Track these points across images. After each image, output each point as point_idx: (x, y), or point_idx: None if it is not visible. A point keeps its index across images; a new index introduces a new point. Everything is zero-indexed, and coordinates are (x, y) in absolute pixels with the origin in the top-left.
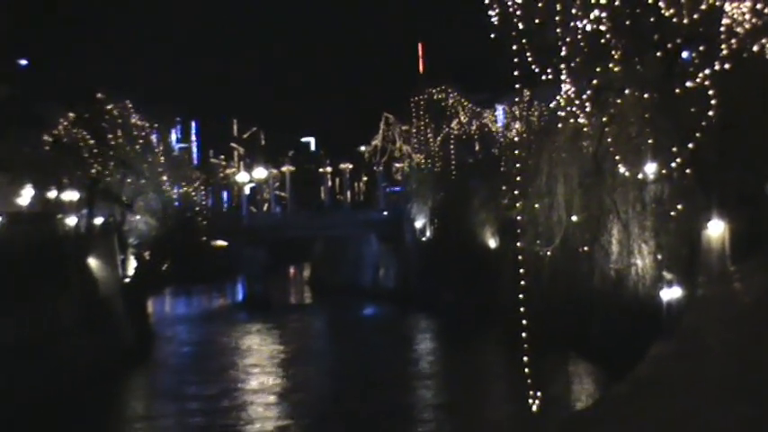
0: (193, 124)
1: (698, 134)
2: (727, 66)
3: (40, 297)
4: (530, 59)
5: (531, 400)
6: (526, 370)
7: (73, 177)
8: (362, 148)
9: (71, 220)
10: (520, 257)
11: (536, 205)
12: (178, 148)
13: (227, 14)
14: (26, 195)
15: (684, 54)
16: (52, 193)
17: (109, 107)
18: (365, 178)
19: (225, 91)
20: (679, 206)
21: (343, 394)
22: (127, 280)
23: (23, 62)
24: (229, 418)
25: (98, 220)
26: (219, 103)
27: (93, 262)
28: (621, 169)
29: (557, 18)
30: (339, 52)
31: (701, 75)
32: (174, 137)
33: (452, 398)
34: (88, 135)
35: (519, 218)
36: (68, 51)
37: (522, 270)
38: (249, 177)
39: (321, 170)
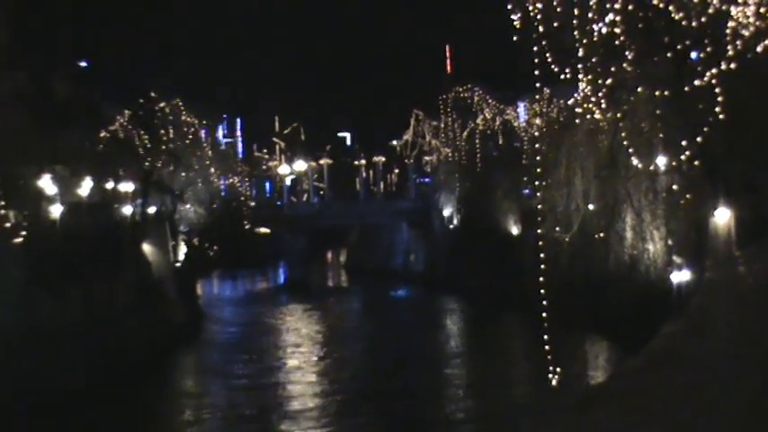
0: (239, 121)
1: (705, 129)
2: (732, 66)
3: (98, 280)
4: (549, 60)
5: (551, 375)
6: (546, 347)
7: (128, 170)
8: (394, 143)
9: (127, 210)
10: (540, 243)
11: (555, 195)
12: (225, 143)
13: (269, 17)
14: (86, 187)
15: (693, 55)
16: (109, 185)
17: (161, 105)
18: (397, 170)
19: (268, 89)
20: (688, 195)
21: (377, 372)
22: (178, 264)
23: (84, 64)
24: (272, 396)
25: (151, 210)
26: (263, 101)
27: (146, 248)
28: (635, 161)
29: (574, 22)
30: (373, 53)
31: (708, 74)
32: (220, 132)
33: (477, 374)
34: (142, 131)
35: (539, 206)
36: (125, 54)
37: (542, 255)
38: (290, 170)
39: (356, 163)
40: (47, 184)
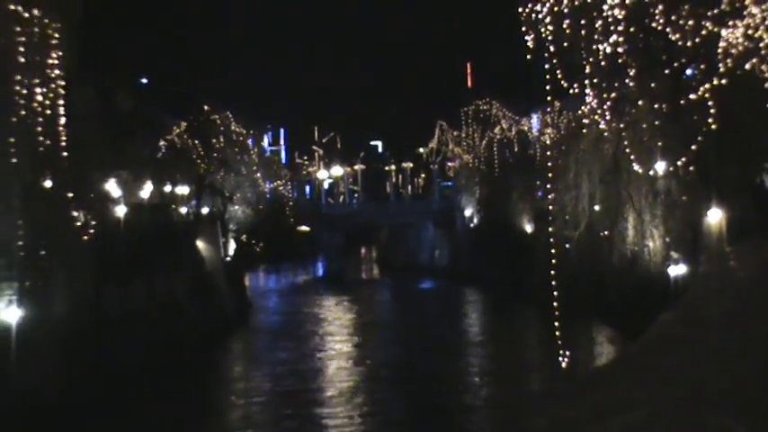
0: (282, 131)
1: (699, 138)
2: (724, 81)
3: (158, 273)
4: (559, 76)
5: (560, 359)
6: (557, 334)
7: (184, 175)
8: (421, 150)
9: (182, 210)
10: (551, 240)
11: (565, 197)
12: (269, 151)
13: (310, 40)
14: (147, 189)
15: (688, 71)
16: (167, 188)
17: (213, 117)
18: (423, 175)
19: (308, 103)
20: (684, 197)
21: (405, 359)
22: (228, 259)
23: (144, 81)
24: (311, 380)
25: (204, 210)
26: (304, 114)
27: (200, 244)
28: (636, 167)
29: (582, 43)
30: (403, 70)
31: (702, 89)
32: (266, 141)
33: (495, 360)
34: (196, 140)
35: (550, 207)
36: (182, 72)
37: (553, 251)
38: (328, 174)
39: (387, 168)
40: (112, 187)
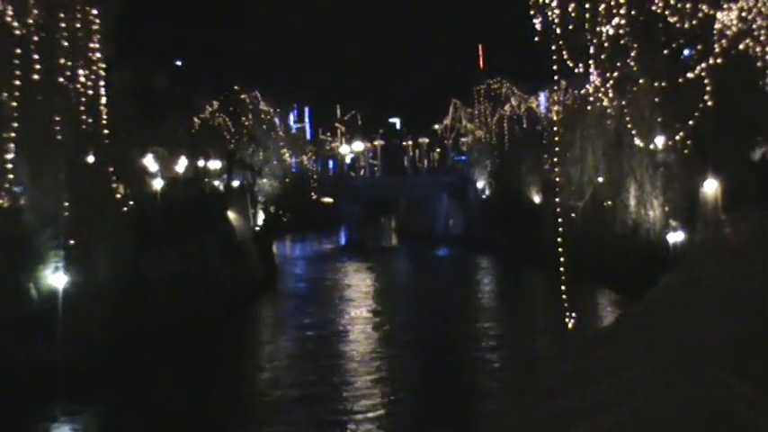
0: (307, 109)
1: (696, 114)
2: (719, 61)
3: (192, 240)
4: (565, 57)
5: (567, 320)
6: (563, 296)
7: (216, 150)
8: (436, 127)
9: (215, 183)
10: (558, 210)
11: (571, 169)
12: (295, 128)
13: (334, 23)
14: (182, 164)
15: (686, 51)
16: (201, 163)
17: (243, 96)
18: (438, 150)
19: (331, 82)
20: (682, 169)
21: (422, 323)
22: (257, 228)
23: (179, 62)
24: (333, 343)
25: (235, 183)
26: (327, 92)
27: (231, 214)
28: (637, 141)
29: (586, 25)
30: (420, 52)
31: (698, 68)
32: (291, 119)
33: (507, 322)
34: (227, 118)
35: (557, 179)
36: (213, 53)
37: (559, 220)
38: (349, 150)
39: (404, 144)
40: (149, 162)
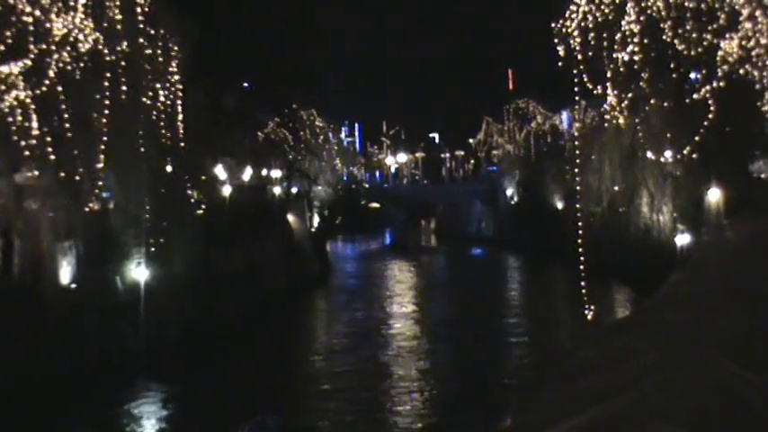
0: (357, 125)
1: (701, 131)
2: (722, 84)
3: (256, 240)
4: (585, 79)
5: (586, 313)
6: (583, 291)
7: (277, 161)
8: (471, 140)
9: (276, 190)
10: (578, 215)
11: (590, 179)
12: (346, 141)
13: (382, 48)
14: (247, 173)
15: (692, 75)
16: (264, 172)
17: (301, 113)
18: (472, 161)
19: (379, 101)
20: (688, 179)
21: (457, 319)
22: (312, 230)
23: (246, 84)
24: (378, 334)
25: (293, 190)
26: (375, 110)
27: (290, 218)
28: (648, 155)
29: (604, 52)
30: (457, 75)
31: (703, 90)
32: (343, 133)
33: (534, 316)
34: (287, 132)
35: (578, 187)
36: (275, 76)
37: (579, 223)
38: (394, 161)
39: (442, 155)
40: (219, 171)
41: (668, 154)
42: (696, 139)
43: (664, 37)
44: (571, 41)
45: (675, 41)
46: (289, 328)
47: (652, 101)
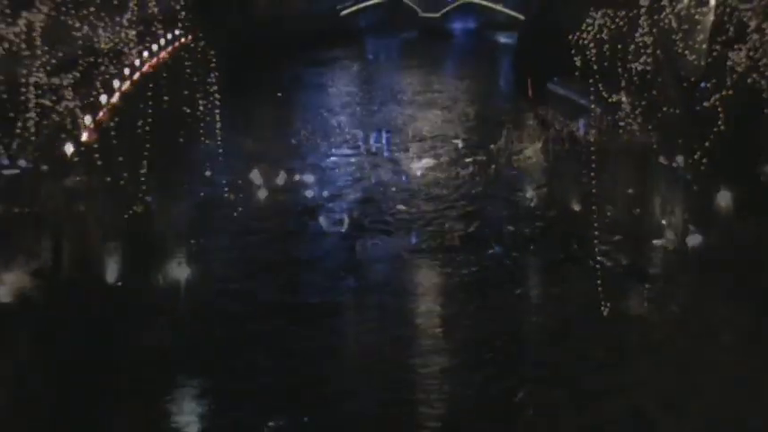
0: None
1: (711, 137)
2: (730, 92)
3: None
4: (601, 88)
5: (602, 308)
6: (599, 289)
7: None
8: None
9: None
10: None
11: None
12: None
13: None
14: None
15: (702, 84)
16: None
17: None
18: None
19: None
20: (699, 183)
21: None
22: None
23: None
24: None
25: None
26: None
27: None
28: (661, 159)
29: (618, 62)
30: None
31: (713, 98)
32: None
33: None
34: None
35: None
36: None
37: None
38: None
39: None
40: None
41: (680, 159)
42: (706, 145)
43: (675, 48)
44: (587, 52)
45: (686, 52)
46: None
47: (664, 108)
